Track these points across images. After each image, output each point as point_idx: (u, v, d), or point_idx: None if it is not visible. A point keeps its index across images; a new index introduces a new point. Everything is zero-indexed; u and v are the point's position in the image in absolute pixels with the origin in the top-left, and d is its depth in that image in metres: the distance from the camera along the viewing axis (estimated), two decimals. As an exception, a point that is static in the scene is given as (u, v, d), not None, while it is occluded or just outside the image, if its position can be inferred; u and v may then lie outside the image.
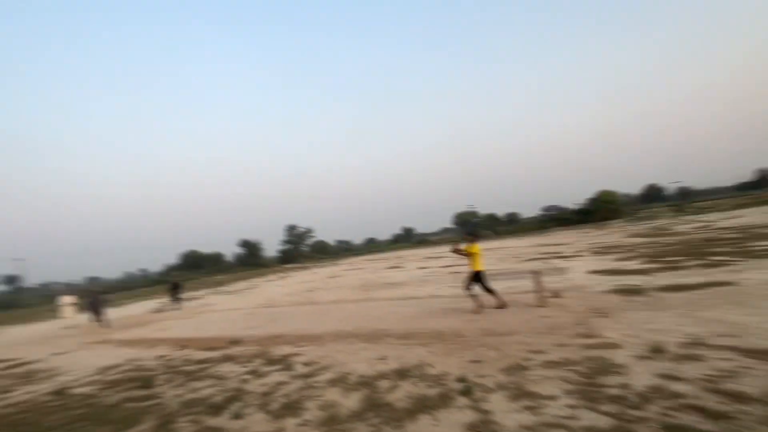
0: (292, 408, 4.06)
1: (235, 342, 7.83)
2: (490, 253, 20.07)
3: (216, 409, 4.30)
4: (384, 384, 4.43)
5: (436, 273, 16.46)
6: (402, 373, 4.68)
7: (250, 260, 61.87)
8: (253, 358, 6.37)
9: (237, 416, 3.99)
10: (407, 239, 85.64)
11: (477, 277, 7.75)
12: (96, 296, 13.91)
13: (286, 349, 6.67)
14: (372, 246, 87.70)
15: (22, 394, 6.12)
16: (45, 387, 6.30)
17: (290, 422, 3.75)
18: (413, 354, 5.44)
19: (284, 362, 5.86)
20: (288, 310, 11.68)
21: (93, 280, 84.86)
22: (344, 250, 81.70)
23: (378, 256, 44.08)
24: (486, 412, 3.45)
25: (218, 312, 13.47)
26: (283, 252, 67.97)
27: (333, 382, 4.70)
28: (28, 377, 7.20)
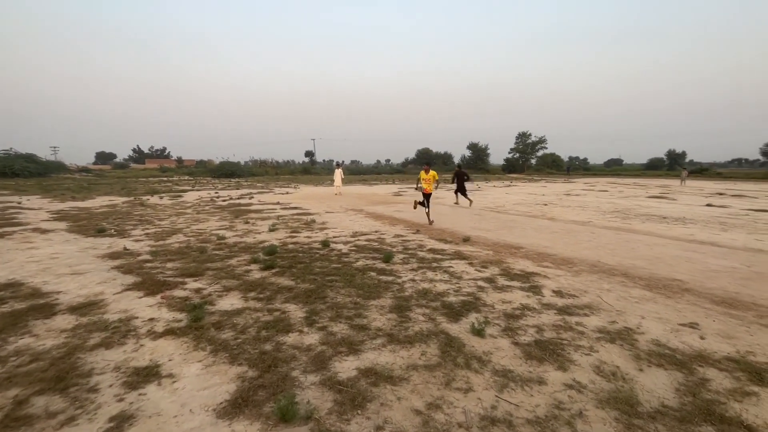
0: (550, 351, 2.96)
1: (466, 240, 7.32)
2: None
3: (452, 312, 3.72)
4: (710, 374, 2.68)
5: (741, 215, 11.12)
6: (756, 373, 2.73)
7: (476, 164, 62.09)
8: (488, 264, 5.58)
9: (477, 332, 3.23)
10: (668, 165, 63.93)
11: None
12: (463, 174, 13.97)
13: (525, 265, 5.56)
14: (616, 168, 71.21)
15: (303, 237, 7.61)
16: (318, 236, 7.62)
17: (552, 372, 2.67)
18: (756, 341, 3.25)
19: (527, 280, 4.77)
20: (519, 219, 10.42)
21: (354, 163, 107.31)
22: (577, 168, 70.02)
23: (625, 181, 35.52)
24: None
25: (445, 206, 13.65)
26: (509, 160, 64.76)
27: (608, 335, 3.27)
28: (309, 225, 9.04)
